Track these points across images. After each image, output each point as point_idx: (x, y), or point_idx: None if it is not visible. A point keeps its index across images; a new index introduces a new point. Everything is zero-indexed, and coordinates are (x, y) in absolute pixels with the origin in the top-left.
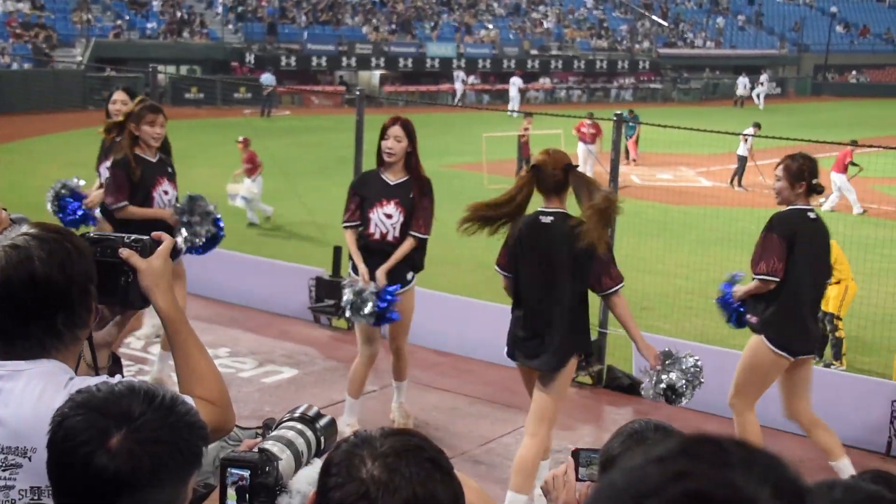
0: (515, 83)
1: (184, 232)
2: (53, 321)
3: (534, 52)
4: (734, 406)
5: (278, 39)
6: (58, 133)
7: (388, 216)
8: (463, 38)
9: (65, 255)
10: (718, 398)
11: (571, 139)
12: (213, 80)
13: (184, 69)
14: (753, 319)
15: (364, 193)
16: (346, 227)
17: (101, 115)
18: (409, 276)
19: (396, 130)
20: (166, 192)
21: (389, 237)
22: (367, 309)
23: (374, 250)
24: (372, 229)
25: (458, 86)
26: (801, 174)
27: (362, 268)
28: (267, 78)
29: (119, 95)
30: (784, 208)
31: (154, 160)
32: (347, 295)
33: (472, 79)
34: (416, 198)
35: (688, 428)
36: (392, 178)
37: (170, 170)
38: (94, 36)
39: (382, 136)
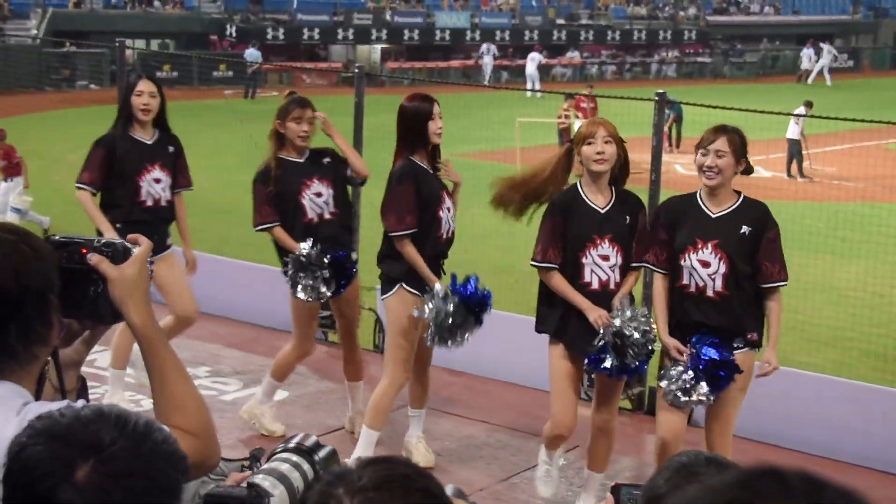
0: (535, 59)
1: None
2: (5, 336)
3: (560, 21)
4: None
5: (264, 9)
6: (8, 118)
7: (449, 210)
8: (479, 7)
9: (19, 259)
10: (783, 426)
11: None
12: (188, 57)
13: (155, 44)
14: (756, 336)
15: (425, 192)
16: (404, 237)
17: (59, 97)
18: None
19: (439, 110)
20: (319, 195)
21: (448, 234)
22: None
23: (438, 255)
24: (442, 229)
25: (487, 61)
26: (745, 148)
27: (436, 280)
28: (251, 54)
29: (145, 86)
30: (734, 197)
31: (302, 161)
32: (438, 307)
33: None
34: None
35: (747, 461)
36: (427, 166)
37: (322, 167)
38: (50, 6)
39: (430, 116)
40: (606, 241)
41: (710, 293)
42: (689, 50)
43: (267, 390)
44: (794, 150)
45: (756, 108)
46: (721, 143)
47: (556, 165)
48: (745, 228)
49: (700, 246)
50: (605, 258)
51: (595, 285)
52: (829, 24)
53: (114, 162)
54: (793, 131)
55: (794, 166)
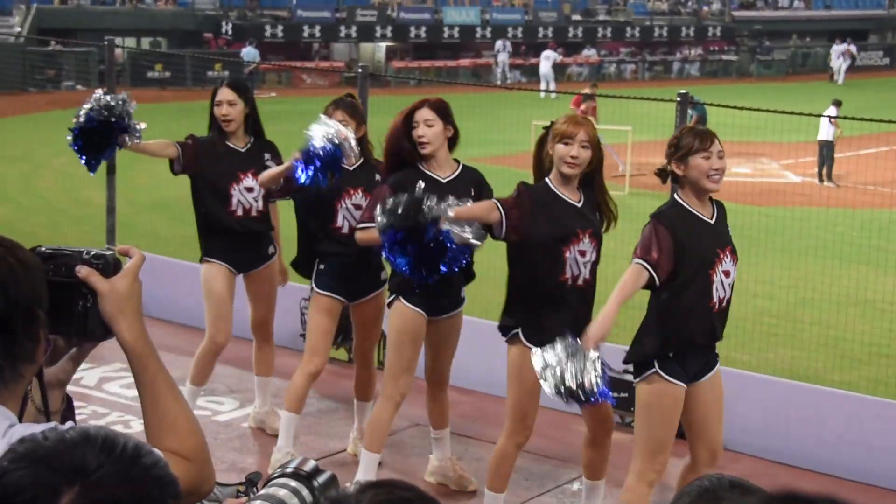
0: (549, 57)
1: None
2: None
3: (576, 17)
4: None
5: (261, 5)
6: None
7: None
8: (489, 2)
9: (6, 272)
10: (815, 449)
11: (641, 131)
12: (181, 56)
13: (146, 42)
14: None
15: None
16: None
17: (44, 99)
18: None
19: (426, 113)
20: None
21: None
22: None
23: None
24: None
25: (502, 58)
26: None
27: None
28: (248, 52)
29: (223, 94)
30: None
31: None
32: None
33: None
34: (479, 195)
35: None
36: (441, 174)
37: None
38: (35, 2)
39: (410, 124)
40: (587, 235)
41: (725, 304)
42: (714, 47)
43: (288, 430)
44: (827, 154)
45: (785, 108)
46: (719, 143)
47: (534, 162)
48: (728, 228)
49: (722, 256)
50: (583, 253)
51: (570, 282)
52: (863, 19)
53: (205, 161)
54: (826, 133)
55: (825, 170)
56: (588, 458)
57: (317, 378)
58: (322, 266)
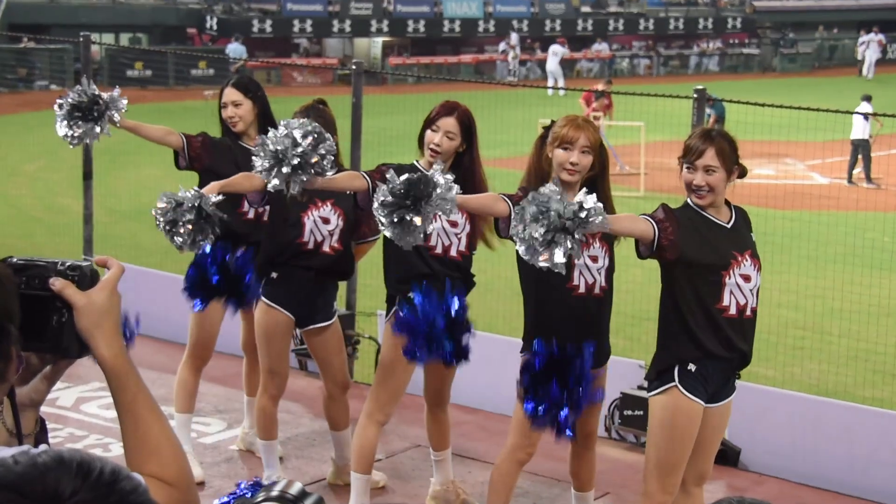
0: (557, 53)
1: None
2: None
3: (586, 9)
4: None
5: None
6: None
7: (454, 224)
8: None
9: None
10: (843, 469)
11: (656, 129)
12: (163, 53)
13: (125, 38)
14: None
15: None
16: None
17: (15, 99)
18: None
19: (450, 123)
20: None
21: (453, 251)
22: None
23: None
24: (434, 241)
25: (516, 52)
26: (736, 155)
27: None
28: (234, 49)
29: (227, 95)
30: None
31: None
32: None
33: (503, 45)
34: None
35: None
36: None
37: None
38: None
39: (429, 125)
40: (597, 240)
41: (748, 312)
42: (734, 40)
43: (269, 458)
44: (864, 153)
45: (811, 105)
46: (708, 156)
47: (532, 164)
48: (751, 234)
49: (740, 259)
50: (595, 259)
51: (582, 289)
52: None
53: (219, 161)
54: (860, 131)
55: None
56: (574, 469)
57: (279, 398)
58: (275, 275)
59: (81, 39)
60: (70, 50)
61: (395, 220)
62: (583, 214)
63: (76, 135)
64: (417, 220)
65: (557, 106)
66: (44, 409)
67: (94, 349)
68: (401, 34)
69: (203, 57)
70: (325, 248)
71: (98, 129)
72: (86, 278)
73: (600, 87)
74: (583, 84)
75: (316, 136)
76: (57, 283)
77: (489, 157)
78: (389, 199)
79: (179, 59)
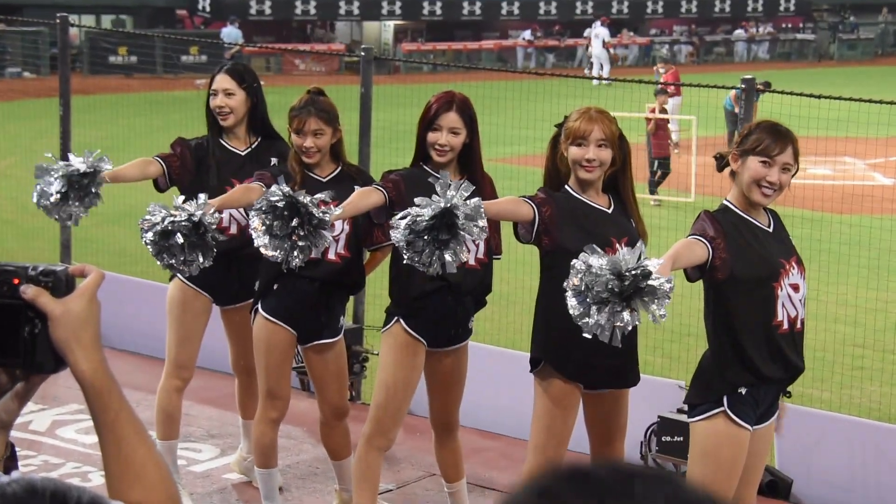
0: (600, 35)
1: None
2: None
3: None
4: None
5: None
6: None
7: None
8: None
9: None
10: (873, 496)
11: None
12: (149, 37)
13: (107, 20)
14: None
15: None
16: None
17: None
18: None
19: (453, 119)
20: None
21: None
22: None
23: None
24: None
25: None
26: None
27: None
28: (229, 33)
29: (219, 82)
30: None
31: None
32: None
33: (527, 34)
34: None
35: None
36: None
37: None
38: None
39: (430, 126)
40: (623, 245)
41: (798, 325)
42: (787, 24)
43: (268, 488)
44: None
45: (873, 97)
46: (786, 154)
47: (548, 165)
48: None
49: (788, 267)
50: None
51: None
52: None
53: (199, 169)
54: None
55: None
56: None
57: (280, 422)
58: (276, 286)
59: (58, 21)
60: (45, 33)
61: (433, 263)
62: (643, 284)
63: (65, 216)
64: (450, 258)
65: (593, 98)
66: (14, 433)
67: (71, 363)
68: (415, 17)
69: (194, 42)
70: (331, 256)
71: (84, 210)
72: (61, 284)
73: (662, 68)
74: (628, 73)
75: (302, 207)
76: (29, 291)
77: (511, 154)
78: (418, 250)
79: (168, 43)
